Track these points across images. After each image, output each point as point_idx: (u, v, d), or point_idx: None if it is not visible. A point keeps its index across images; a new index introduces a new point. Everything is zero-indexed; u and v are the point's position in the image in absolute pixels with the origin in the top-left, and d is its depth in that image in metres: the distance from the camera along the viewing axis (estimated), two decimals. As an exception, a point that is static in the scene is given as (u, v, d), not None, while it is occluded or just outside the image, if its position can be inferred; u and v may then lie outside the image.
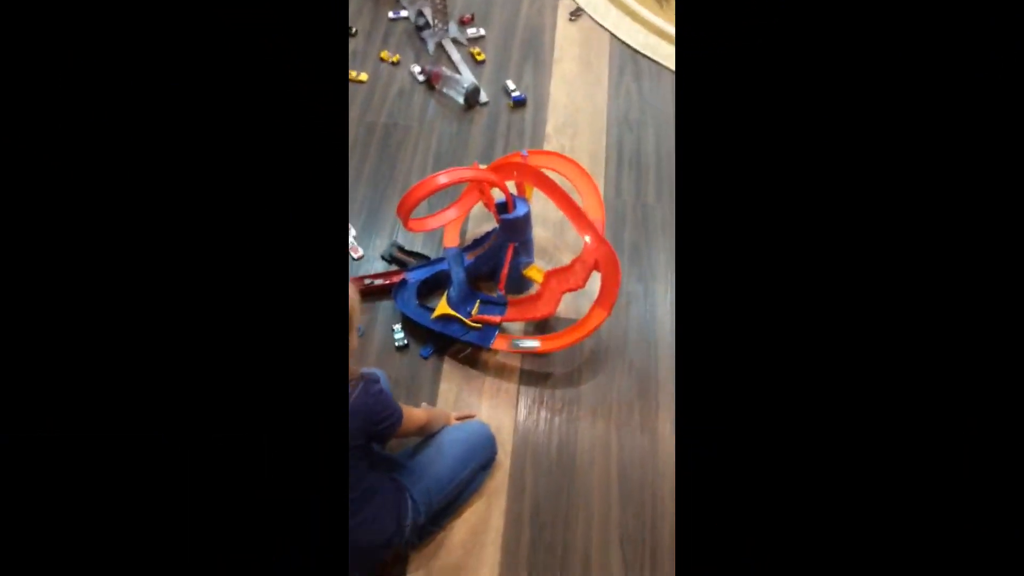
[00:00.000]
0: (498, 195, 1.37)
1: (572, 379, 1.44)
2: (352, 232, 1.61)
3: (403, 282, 1.47)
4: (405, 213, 1.26)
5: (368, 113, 1.85)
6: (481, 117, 1.87)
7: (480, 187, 1.33)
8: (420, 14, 2.03)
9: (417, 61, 1.97)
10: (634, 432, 1.37)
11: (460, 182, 1.30)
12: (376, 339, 1.47)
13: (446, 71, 1.89)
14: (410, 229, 1.40)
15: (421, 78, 1.92)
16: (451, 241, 1.53)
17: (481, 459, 1.27)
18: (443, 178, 1.23)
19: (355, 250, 1.58)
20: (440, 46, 2.00)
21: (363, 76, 1.91)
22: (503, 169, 1.36)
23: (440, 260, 1.51)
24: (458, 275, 1.44)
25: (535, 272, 1.41)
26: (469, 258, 1.48)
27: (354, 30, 2.01)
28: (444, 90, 1.90)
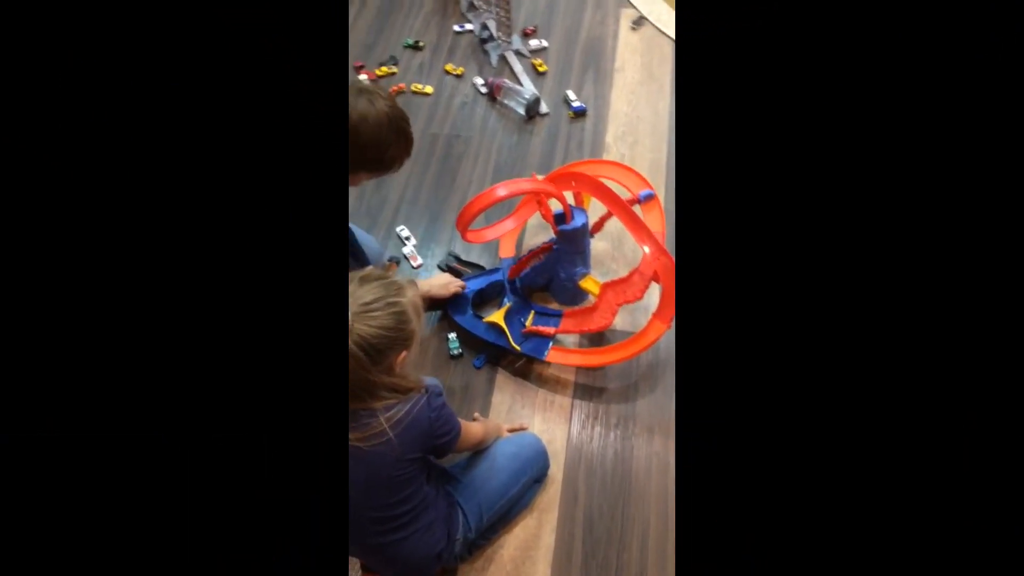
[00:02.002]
0: (556, 205, 1.37)
1: (628, 394, 1.41)
2: (412, 241, 1.65)
3: (459, 297, 1.48)
4: (464, 225, 1.27)
5: (432, 125, 1.88)
6: (541, 128, 1.87)
7: (538, 198, 1.32)
8: (484, 27, 2.06)
9: (480, 73, 2.00)
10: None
11: (518, 194, 1.30)
12: (431, 347, 1.49)
13: (507, 83, 1.91)
14: (468, 240, 1.41)
15: (483, 90, 1.95)
16: (507, 251, 1.54)
17: (534, 473, 1.26)
18: (502, 190, 1.23)
19: (415, 258, 1.61)
20: (503, 58, 2.02)
21: (428, 88, 1.95)
22: (561, 179, 1.36)
23: (496, 270, 1.52)
24: (513, 284, 1.44)
25: (591, 283, 1.39)
26: (525, 265, 1.47)
27: (422, 44, 2.06)
28: (505, 101, 1.91)
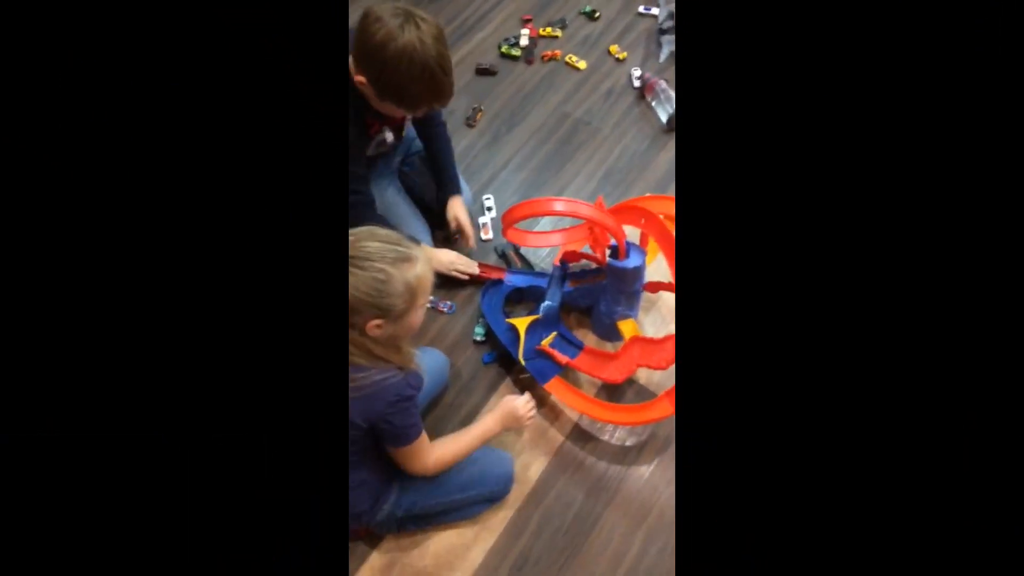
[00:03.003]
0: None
1: (620, 460, 1.29)
2: (492, 214, 1.60)
3: (498, 282, 1.42)
4: (509, 221, 1.20)
5: (568, 103, 1.78)
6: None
7: (591, 227, 1.20)
8: (671, 16, 1.87)
9: (642, 65, 1.84)
10: (662, 545, 1.19)
11: (576, 217, 1.18)
12: (460, 325, 1.46)
13: (663, 84, 1.73)
14: (508, 238, 1.32)
15: (636, 83, 1.79)
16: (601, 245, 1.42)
17: (488, 491, 1.21)
18: (559, 206, 1.13)
19: (486, 231, 1.57)
20: (673, 56, 1.84)
21: (582, 64, 1.83)
22: (629, 212, 1.21)
23: (543, 275, 1.43)
24: (553, 296, 1.36)
25: (628, 327, 1.27)
26: (571, 285, 1.37)
27: (598, 15, 1.93)
28: (652, 103, 1.74)
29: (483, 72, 1.83)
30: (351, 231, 0.95)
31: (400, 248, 0.95)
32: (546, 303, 1.38)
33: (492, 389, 1.38)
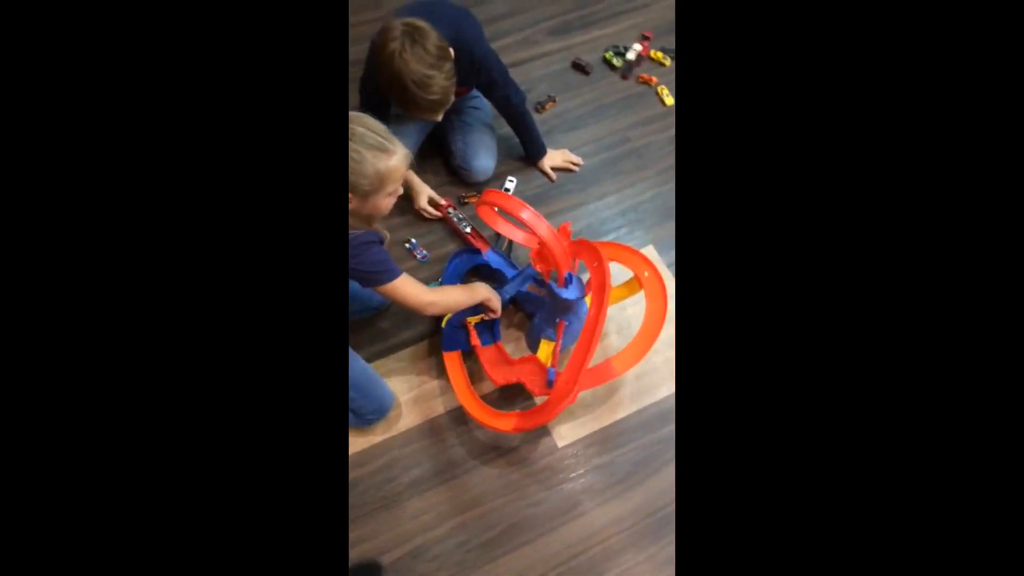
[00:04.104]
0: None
1: (478, 453, 1.36)
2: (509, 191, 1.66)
3: (476, 251, 1.49)
4: (483, 200, 1.26)
5: (634, 130, 1.78)
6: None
7: (540, 250, 1.24)
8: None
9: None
10: (464, 540, 1.28)
11: (532, 234, 1.23)
12: (423, 274, 1.55)
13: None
14: (479, 213, 1.38)
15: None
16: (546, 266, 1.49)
17: (357, 405, 1.32)
18: (525, 214, 1.18)
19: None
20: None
21: (669, 100, 1.81)
22: (588, 251, 1.24)
23: (516, 267, 1.49)
24: (509, 289, 1.42)
25: (545, 349, 1.32)
26: (528, 288, 1.43)
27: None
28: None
29: (578, 68, 1.86)
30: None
31: (380, 139, 1.07)
32: (500, 291, 1.45)
33: (422, 337, 1.49)
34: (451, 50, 1.29)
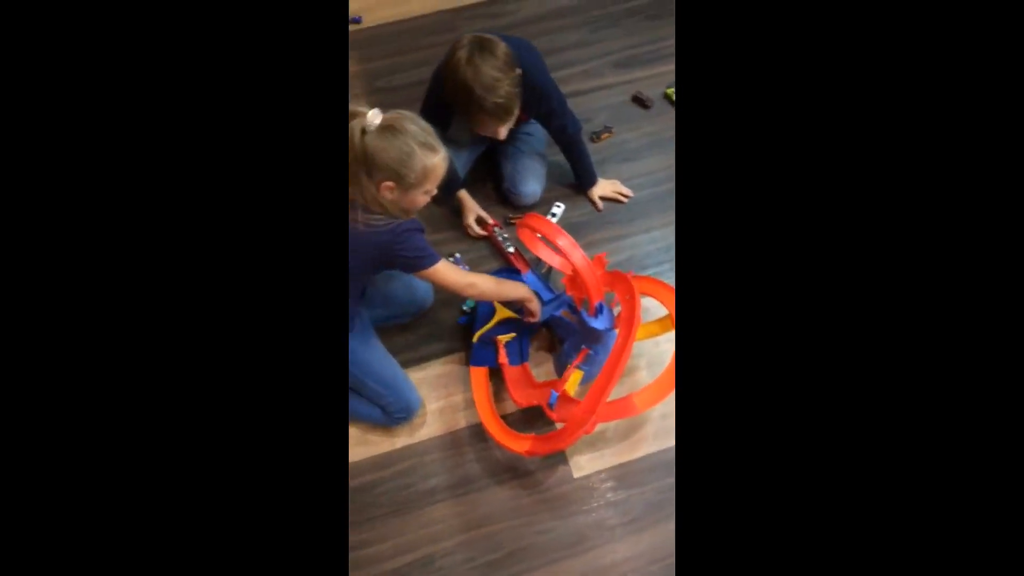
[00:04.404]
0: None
1: (492, 473, 1.37)
2: (554, 220, 1.67)
3: (515, 271, 1.51)
4: (524, 223, 1.28)
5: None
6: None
7: (574, 278, 1.25)
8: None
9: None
10: (469, 557, 1.29)
11: (567, 262, 1.23)
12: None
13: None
14: (519, 235, 1.39)
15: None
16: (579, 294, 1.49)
17: (385, 403, 1.37)
18: (562, 241, 1.19)
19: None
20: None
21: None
22: (621, 282, 1.24)
23: (552, 291, 1.50)
24: (544, 314, 1.44)
25: (573, 377, 1.32)
26: (563, 314, 1.44)
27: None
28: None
29: (638, 101, 1.87)
30: (396, 111, 1.14)
31: (430, 139, 1.14)
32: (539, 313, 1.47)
33: (452, 351, 1.52)
34: (519, 69, 1.34)
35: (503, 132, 1.41)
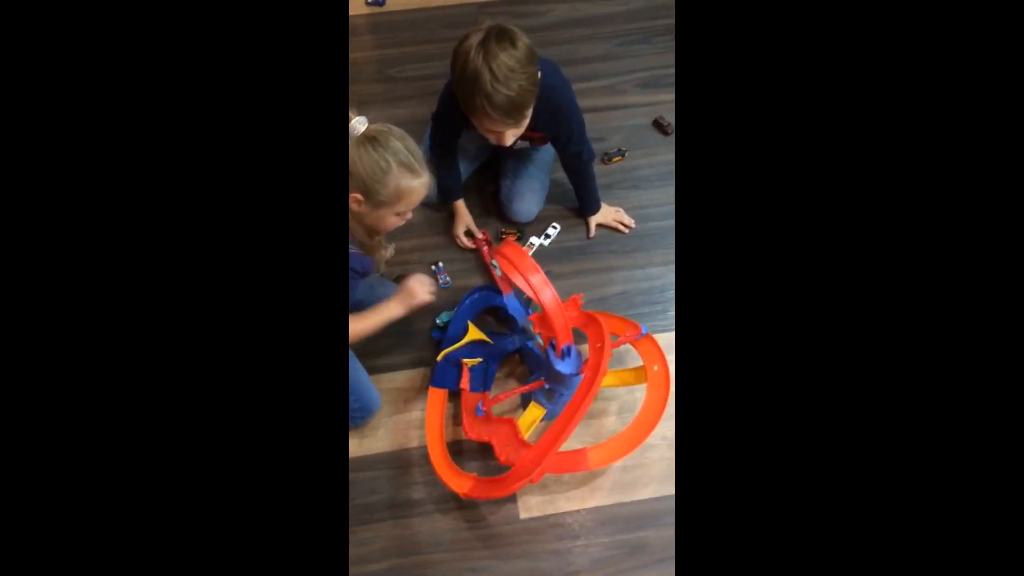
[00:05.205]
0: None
1: (428, 493, 1.31)
2: (548, 241, 1.60)
3: (498, 292, 1.44)
4: (500, 250, 1.20)
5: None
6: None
7: (541, 315, 1.17)
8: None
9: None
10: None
11: (538, 302, 1.15)
12: (439, 300, 1.50)
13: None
14: (498, 260, 1.27)
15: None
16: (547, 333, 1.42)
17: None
18: (534, 279, 1.11)
19: (530, 248, 1.59)
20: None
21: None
22: (594, 325, 1.16)
23: (522, 329, 1.44)
24: (517, 343, 1.38)
25: (531, 413, 1.26)
26: (535, 344, 1.37)
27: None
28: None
29: (658, 126, 1.77)
30: (387, 124, 1.08)
31: (413, 161, 1.07)
32: (509, 339, 1.40)
33: (420, 364, 1.45)
34: (539, 71, 1.21)
35: (509, 137, 1.26)
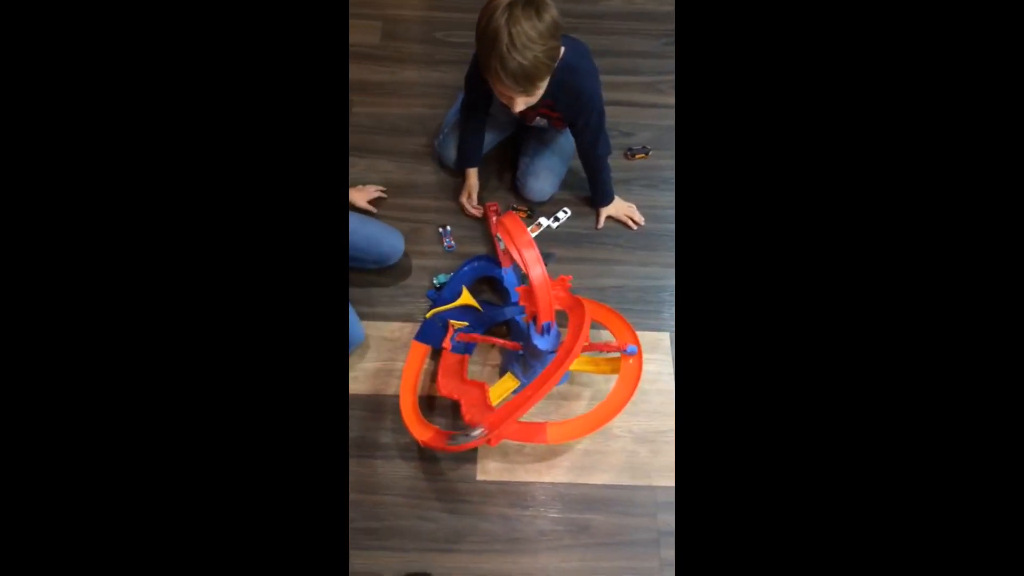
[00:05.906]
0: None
1: (403, 452, 1.38)
2: (557, 224, 1.63)
3: (497, 263, 1.48)
4: (502, 222, 1.23)
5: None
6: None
7: (530, 293, 1.20)
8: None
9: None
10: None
11: (526, 274, 1.18)
12: (444, 262, 1.57)
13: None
14: (498, 230, 1.34)
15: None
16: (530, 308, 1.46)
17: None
18: (527, 254, 1.15)
19: (536, 228, 1.62)
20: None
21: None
22: (578, 309, 1.19)
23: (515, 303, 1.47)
24: (507, 314, 1.42)
25: (505, 382, 1.30)
26: (523, 318, 1.41)
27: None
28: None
29: (688, 131, 1.78)
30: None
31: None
32: (502, 310, 1.45)
33: (409, 318, 1.50)
34: (561, 48, 1.22)
35: (520, 104, 1.26)
